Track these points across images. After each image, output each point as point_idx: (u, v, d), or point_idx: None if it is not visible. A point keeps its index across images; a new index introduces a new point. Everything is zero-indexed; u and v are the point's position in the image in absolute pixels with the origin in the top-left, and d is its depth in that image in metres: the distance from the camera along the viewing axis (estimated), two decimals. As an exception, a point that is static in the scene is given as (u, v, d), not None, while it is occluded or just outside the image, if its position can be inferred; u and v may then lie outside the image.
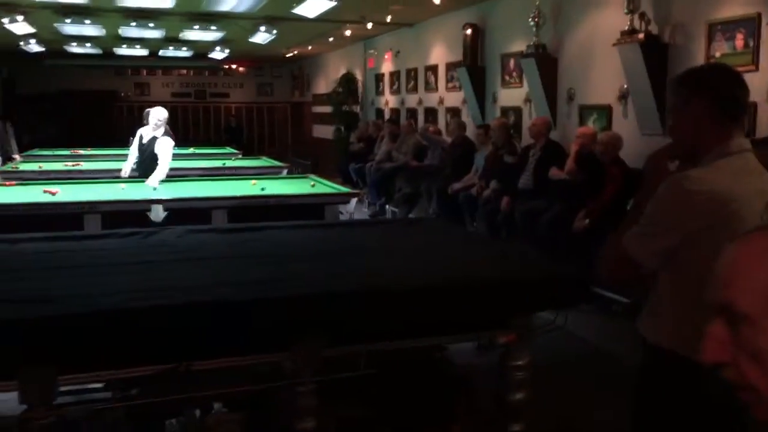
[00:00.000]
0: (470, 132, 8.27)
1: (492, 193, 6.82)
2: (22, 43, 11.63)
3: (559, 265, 3.58)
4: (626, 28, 5.48)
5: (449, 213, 7.43)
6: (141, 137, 6.62)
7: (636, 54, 5.40)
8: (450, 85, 9.28)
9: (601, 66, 6.19)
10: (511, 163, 6.80)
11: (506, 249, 4.49)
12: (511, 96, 7.79)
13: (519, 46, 7.33)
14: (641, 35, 5.35)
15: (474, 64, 8.26)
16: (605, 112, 6.17)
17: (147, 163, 6.47)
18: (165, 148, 6.37)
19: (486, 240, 5.13)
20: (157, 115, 6.51)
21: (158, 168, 6.29)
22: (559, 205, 5.76)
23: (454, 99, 9.20)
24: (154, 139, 6.44)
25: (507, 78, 7.85)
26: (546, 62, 6.81)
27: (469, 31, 8.24)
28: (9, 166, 8.32)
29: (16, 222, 4.83)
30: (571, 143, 6.13)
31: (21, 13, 8.69)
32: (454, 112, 9.16)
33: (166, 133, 6.50)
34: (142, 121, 11.13)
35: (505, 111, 7.87)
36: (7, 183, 6.49)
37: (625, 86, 5.81)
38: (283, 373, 2.91)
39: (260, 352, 2.79)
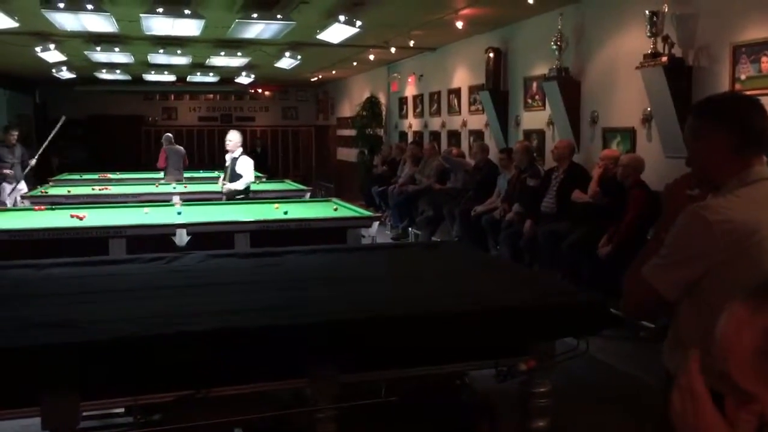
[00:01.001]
0: (493, 155, 8.26)
1: (515, 216, 6.78)
2: (54, 70, 11.95)
3: (581, 292, 3.54)
4: (649, 51, 5.45)
5: (472, 236, 7.40)
6: (232, 159, 7.37)
7: (659, 77, 5.36)
8: (473, 108, 9.30)
9: (625, 89, 6.16)
10: (533, 186, 6.77)
11: (528, 274, 4.46)
12: (533, 119, 7.78)
13: (541, 69, 7.33)
14: (664, 58, 5.32)
15: (497, 88, 8.27)
16: (629, 134, 6.12)
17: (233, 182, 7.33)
18: (246, 165, 7.25)
19: (508, 264, 5.10)
20: (230, 137, 7.32)
21: (242, 179, 7.19)
22: (582, 228, 5.71)
23: (477, 122, 9.21)
24: (234, 160, 7.23)
25: (529, 101, 7.84)
26: (569, 85, 6.80)
27: (491, 55, 8.27)
28: (38, 191, 8.50)
29: (44, 246, 4.93)
30: (594, 166, 6.09)
31: (53, 42, 8.94)
32: (477, 135, 9.16)
33: (243, 154, 7.33)
34: (161, 145, 11.36)
35: (528, 134, 7.85)
36: (37, 207, 6.62)
37: (649, 109, 5.76)
38: (303, 399, 2.90)
39: (279, 379, 2.80)
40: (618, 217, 5.37)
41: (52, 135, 10.23)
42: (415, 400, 3.08)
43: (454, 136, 9.89)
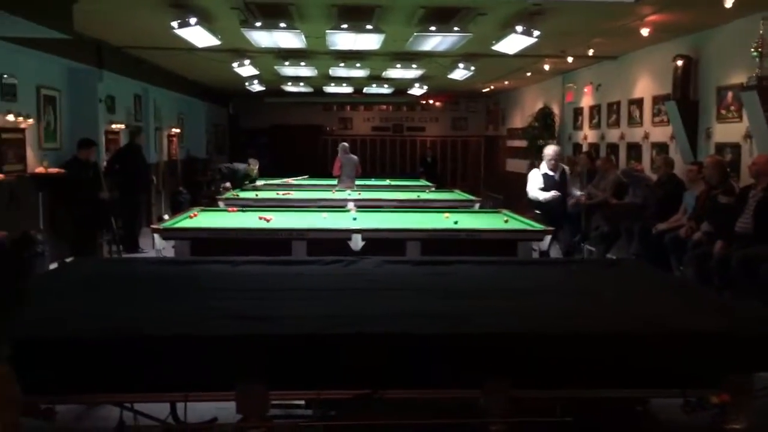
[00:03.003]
0: (678, 169, 7.72)
1: (703, 235, 6.28)
2: (246, 83, 13.03)
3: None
4: None
5: (652, 255, 6.95)
6: (548, 175, 7.76)
7: None
8: (656, 119, 8.76)
9: (841, 98, 5.47)
10: (726, 204, 6.22)
11: (720, 299, 4.11)
12: (728, 131, 7.16)
13: (739, 77, 6.74)
14: None
15: (685, 98, 7.73)
16: None
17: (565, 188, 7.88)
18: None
19: (696, 287, 4.72)
20: (554, 152, 7.87)
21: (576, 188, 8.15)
22: (784, 253, 5.15)
23: (660, 134, 8.66)
24: (563, 171, 7.90)
25: (723, 112, 7.23)
26: (771, 95, 6.17)
27: (680, 63, 7.74)
28: (231, 194, 9.29)
29: (236, 244, 5.38)
30: (800, 184, 5.47)
31: (248, 58, 9.76)
32: (660, 147, 8.61)
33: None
34: (337, 153, 12.31)
35: (720, 148, 7.24)
36: (230, 209, 7.24)
37: None
38: (473, 409, 2.90)
39: (452, 387, 2.81)
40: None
41: (295, 179, 11.50)
42: (592, 423, 2.95)
43: (634, 149, 9.38)
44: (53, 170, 7.89)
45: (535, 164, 12.64)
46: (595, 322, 2.99)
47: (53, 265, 7.07)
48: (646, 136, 9.03)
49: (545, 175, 7.77)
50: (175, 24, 6.58)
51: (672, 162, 7.82)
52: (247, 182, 11.39)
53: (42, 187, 7.78)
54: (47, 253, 7.15)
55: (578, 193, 8.12)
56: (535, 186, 7.85)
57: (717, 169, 6.51)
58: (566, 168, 8.03)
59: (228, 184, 10.98)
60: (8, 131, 7.20)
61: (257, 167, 11.97)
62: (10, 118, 7.18)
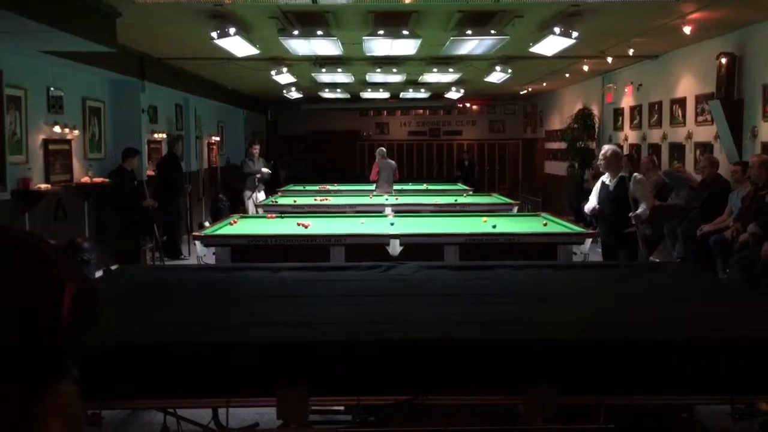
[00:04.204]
0: (722, 169, 7.53)
1: (750, 237, 6.10)
2: (284, 91, 13.18)
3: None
4: None
5: (696, 257, 6.79)
6: (603, 183, 6.16)
7: None
8: (700, 119, 8.56)
9: None
10: (774, 204, 6.04)
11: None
12: (775, 130, 6.96)
13: (786, 74, 6.55)
14: None
15: (729, 96, 7.54)
16: None
17: (623, 203, 5.92)
18: (642, 185, 5.98)
19: (743, 291, 4.59)
20: (602, 153, 6.24)
21: (643, 204, 5.84)
22: (837, 254, 4.97)
23: (704, 134, 8.46)
24: (623, 179, 5.98)
25: (770, 110, 7.03)
26: (821, 91, 5.98)
27: (724, 61, 7.56)
28: (270, 200, 9.39)
29: (275, 250, 5.44)
30: None
31: (286, 66, 9.87)
32: (704, 147, 8.41)
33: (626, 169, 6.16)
34: (374, 158, 12.04)
35: (766, 147, 7.04)
36: (269, 216, 7.32)
37: None
38: (515, 415, 2.87)
39: (493, 393, 2.79)
40: None
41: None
42: (636, 430, 2.89)
43: (677, 149, 9.17)
44: (98, 180, 8.11)
45: (574, 166, 12.50)
46: (638, 328, 2.94)
47: (98, 273, 7.26)
48: (689, 136, 8.83)
49: (602, 183, 6.22)
50: (214, 34, 6.70)
51: (717, 162, 7.63)
52: (249, 171, 11.14)
53: (87, 197, 7.99)
54: (93, 261, 7.33)
55: (642, 207, 5.83)
56: (592, 198, 6.33)
57: (764, 169, 6.33)
58: (635, 176, 6.03)
59: (258, 175, 10.99)
60: (55, 142, 7.43)
61: (258, 150, 11.36)
62: (57, 129, 7.40)
